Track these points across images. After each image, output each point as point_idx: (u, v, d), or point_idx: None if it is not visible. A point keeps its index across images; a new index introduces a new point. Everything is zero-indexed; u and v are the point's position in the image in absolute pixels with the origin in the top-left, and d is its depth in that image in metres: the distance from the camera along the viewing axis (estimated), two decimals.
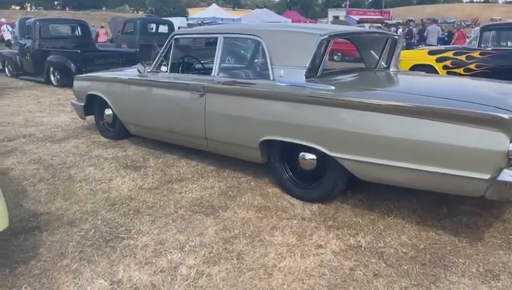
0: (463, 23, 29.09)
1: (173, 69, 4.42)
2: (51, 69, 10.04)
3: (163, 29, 14.42)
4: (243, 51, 4.93)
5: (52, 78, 10.08)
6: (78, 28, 11.36)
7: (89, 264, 2.49)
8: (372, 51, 4.33)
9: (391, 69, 4.30)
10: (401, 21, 37.42)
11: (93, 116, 5.42)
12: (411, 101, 2.74)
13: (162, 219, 3.06)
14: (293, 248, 2.65)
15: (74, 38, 11.31)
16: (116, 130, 5.13)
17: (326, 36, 3.38)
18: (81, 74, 9.65)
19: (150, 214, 3.14)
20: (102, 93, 5.00)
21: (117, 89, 4.81)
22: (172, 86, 4.19)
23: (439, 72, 8.50)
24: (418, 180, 2.74)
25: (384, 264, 2.48)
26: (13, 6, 58.09)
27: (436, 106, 2.64)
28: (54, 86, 9.93)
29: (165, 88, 4.27)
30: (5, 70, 11.80)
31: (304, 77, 3.29)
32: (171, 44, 4.32)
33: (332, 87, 3.18)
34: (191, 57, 4.85)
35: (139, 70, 4.49)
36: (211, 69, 3.95)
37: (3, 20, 15.12)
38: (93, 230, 2.89)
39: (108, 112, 5.08)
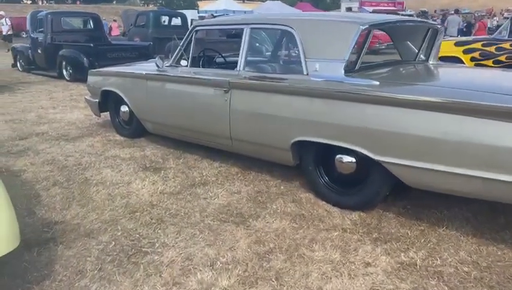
0: (479, 14, 28.28)
1: (194, 63, 4.12)
2: (64, 63, 9.82)
3: (176, 22, 14.13)
4: (271, 43, 4.59)
5: (64, 72, 9.87)
6: (91, 21, 11.12)
7: (110, 285, 2.21)
8: (410, 42, 3.98)
9: (430, 62, 3.95)
10: (414, 12, 36.55)
11: (108, 113, 5.16)
12: (472, 98, 2.40)
13: (188, 230, 2.78)
14: (337, 266, 2.35)
15: (87, 32, 11.08)
16: (133, 128, 4.86)
17: (367, 26, 3.04)
18: (94, 68, 9.55)
19: (175, 224, 2.86)
20: (118, 89, 4.72)
21: (134, 84, 4.53)
22: (193, 81, 3.89)
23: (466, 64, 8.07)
24: (485, 189, 2.40)
25: (446, 288, 2.16)
26: (25, 1, 58.28)
27: (504, 104, 2.29)
28: (67, 80, 9.71)
29: (185, 84, 3.97)
30: (17, 65, 11.64)
31: (343, 71, 2.96)
32: (192, 36, 4.02)
33: (376, 83, 2.84)
34: (214, 50, 4.54)
35: (157, 65, 4.20)
36: (236, 63, 3.64)
37: (2, 13, 14.90)
38: (113, 243, 2.61)
39: (124, 108, 4.81)
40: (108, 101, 5.00)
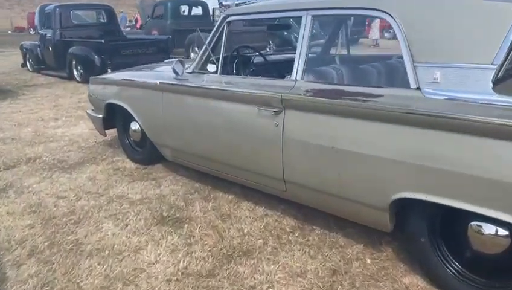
0: None
1: (226, 68, 2.95)
2: (74, 62, 8.80)
3: (196, 11, 12.94)
4: (347, 38, 3.28)
5: (75, 72, 8.85)
6: (104, 14, 10.03)
7: None
8: None
9: None
10: None
11: (115, 129, 4.04)
12: None
13: None
14: None
15: (99, 26, 10.00)
16: (147, 152, 3.72)
17: None
18: (106, 67, 8.50)
19: None
20: (125, 103, 3.58)
21: (145, 98, 3.37)
22: (226, 96, 2.71)
23: None
24: None
25: None
26: None
27: None
28: (78, 81, 8.69)
29: (215, 99, 2.78)
30: (26, 65, 10.71)
31: (491, 85, 1.72)
32: (223, 30, 2.83)
33: None
34: (254, 49, 3.34)
35: (175, 71, 3.02)
36: (289, 68, 2.44)
37: None
38: None
39: (135, 126, 3.67)
40: (115, 116, 3.88)
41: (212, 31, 2.94)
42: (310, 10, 2.37)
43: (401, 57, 1.97)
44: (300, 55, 2.37)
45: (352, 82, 2.59)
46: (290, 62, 2.45)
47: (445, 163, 1.76)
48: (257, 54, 3.47)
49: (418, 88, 1.89)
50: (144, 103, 3.43)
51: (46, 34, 9.61)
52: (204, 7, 13.14)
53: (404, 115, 1.87)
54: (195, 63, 3.05)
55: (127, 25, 16.45)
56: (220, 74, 2.89)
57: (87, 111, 4.21)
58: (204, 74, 2.96)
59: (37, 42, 10.20)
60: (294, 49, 2.46)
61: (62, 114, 5.86)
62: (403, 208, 2.02)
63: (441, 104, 1.80)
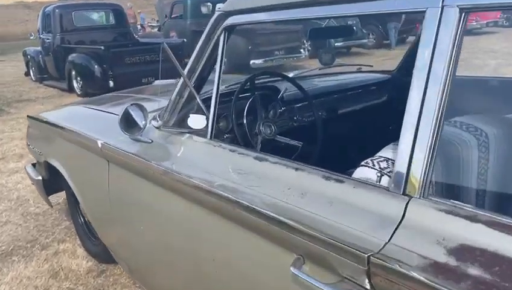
0: None
1: (224, 124, 1.43)
2: (73, 72, 7.48)
3: None
4: None
5: (75, 84, 7.53)
6: (111, 15, 8.67)
7: None
8: None
9: None
10: None
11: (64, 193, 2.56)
12: None
13: None
14: None
15: (107, 29, 8.63)
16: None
17: None
18: (108, 78, 7.15)
19: None
20: (59, 164, 2.10)
21: (83, 162, 1.88)
22: (229, 213, 1.14)
23: None
24: None
25: None
26: None
27: None
28: (78, 95, 7.38)
29: (203, 205, 1.23)
30: (30, 73, 9.54)
31: None
32: (218, 45, 1.29)
33: None
34: (282, 77, 1.82)
35: (126, 128, 1.49)
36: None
37: None
38: None
39: None
40: (62, 178, 2.40)
41: (198, 46, 1.39)
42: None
43: None
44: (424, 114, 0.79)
45: None
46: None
47: None
48: (289, 85, 1.89)
49: None
50: (81, 171, 1.93)
51: (46, 39, 8.37)
52: None
53: None
54: (168, 110, 1.50)
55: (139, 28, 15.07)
56: (211, 137, 1.34)
57: (26, 167, 2.74)
58: (184, 134, 1.42)
59: (39, 48, 9.00)
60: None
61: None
62: None
63: None
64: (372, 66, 2.52)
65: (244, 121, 1.63)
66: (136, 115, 1.53)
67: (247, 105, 1.67)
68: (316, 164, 1.12)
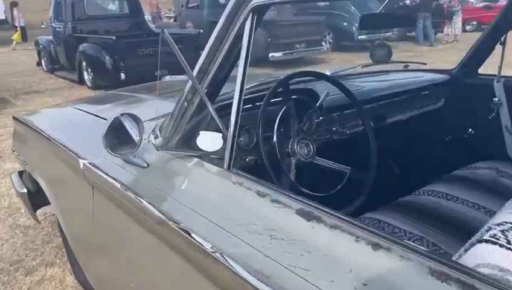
0: None
1: (248, 147, 1.00)
2: (84, 63, 7.15)
3: None
4: None
5: (85, 76, 7.19)
6: (125, 3, 8.31)
7: None
8: None
9: None
10: None
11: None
12: None
13: None
14: None
15: (120, 19, 8.28)
16: None
17: None
18: (119, 70, 6.77)
19: None
20: (44, 182, 1.70)
21: (67, 186, 1.48)
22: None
23: None
24: None
25: None
26: None
27: None
28: (88, 87, 7.06)
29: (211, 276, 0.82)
30: (41, 63, 9.27)
31: None
32: (242, 33, 0.84)
33: None
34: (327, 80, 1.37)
35: (113, 148, 1.08)
36: None
37: None
38: None
39: None
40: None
41: (213, 36, 0.97)
42: None
43: None
44: None
45: None
46: None
47: None
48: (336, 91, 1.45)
49: None
50: (64, 193, 1.54)
51: (58, 28, 8.05)
52: None
53: None
54: (172, 122, 1.09)
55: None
56: (229, 166, 0.92)
57: (12, 175, 2.35)
58: (191, 158, 1.01)
59: (50, 37, 8.70)
60: None
61: None
62: None
63: None
64: (425, 63, 2.06)
65: (274, 138, 1.20)
66: (130, 128, 1.12)
67: (280, 115, 1.24)
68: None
